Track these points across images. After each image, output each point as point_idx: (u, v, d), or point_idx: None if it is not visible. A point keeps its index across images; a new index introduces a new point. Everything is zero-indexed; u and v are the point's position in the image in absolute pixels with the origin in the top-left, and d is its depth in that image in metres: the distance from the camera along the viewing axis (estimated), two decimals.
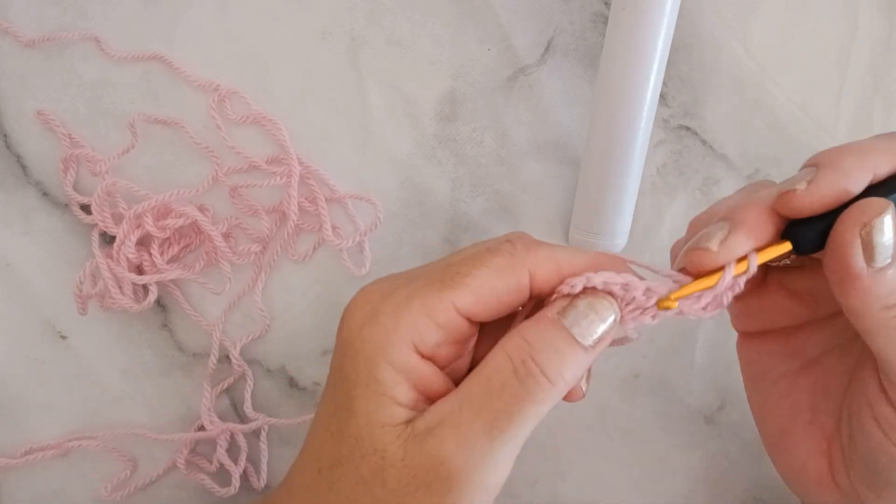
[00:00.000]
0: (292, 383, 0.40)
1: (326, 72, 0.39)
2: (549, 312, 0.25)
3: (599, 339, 0.25)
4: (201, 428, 0.39)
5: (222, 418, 0.40)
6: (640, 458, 0.39)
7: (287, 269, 0.39)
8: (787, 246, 0.25)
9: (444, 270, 0.26)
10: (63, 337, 0.39)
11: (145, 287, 0.38)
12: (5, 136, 0.39)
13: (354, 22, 0.38)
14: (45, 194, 0.39)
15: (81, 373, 0.39)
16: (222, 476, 0.39)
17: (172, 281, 0.39)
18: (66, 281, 0.39)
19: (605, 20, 0.38)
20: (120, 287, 0.37)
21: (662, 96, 0.38)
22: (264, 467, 0.40)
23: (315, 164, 0.38)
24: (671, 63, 0.37)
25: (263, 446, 0.39)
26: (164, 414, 0.39)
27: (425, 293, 0.25)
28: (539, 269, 0.26)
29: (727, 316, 0.39)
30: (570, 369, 0.25)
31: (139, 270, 0.38)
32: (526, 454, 0.39)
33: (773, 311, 0.30)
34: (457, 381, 0.26)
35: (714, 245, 0.25)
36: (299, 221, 0.38)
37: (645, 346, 0.39)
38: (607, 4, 0.38)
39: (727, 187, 0.39)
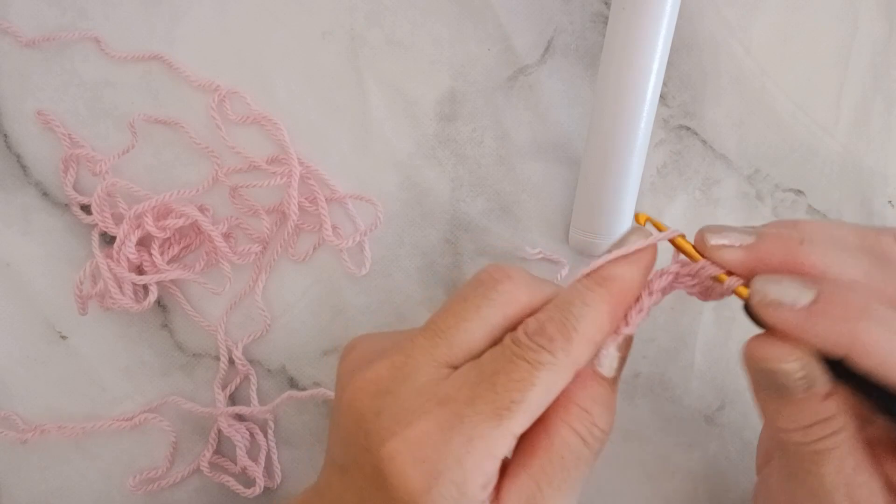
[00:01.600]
0: (292, 383, 0.40)
1: (326, 72, 0.39)
2: (590, 369, 0.26)
3: (618, 370, 0.27)
4: (218, 431, 0.39)
5: (214, 420, 0.40)
6: (640, 458, 0.39)
7: (287, 269, 0.39)
8: (743, 292, 0.26)
9: (493, 398, 0.24)
10: (63, 337, 0.39)
11: (145, 287, 0.38)
12: (5, 136, 0.39)
13: (354, 22, 0.38)
14: (45, 194, 0.39)
15: (81, 373, 0.39)
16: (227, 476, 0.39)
17: (172, 281, 0.39)
18: (66, 281, 0.39)
19: (605, 20, 0.38)
20: (120, 287, 0.37)
21: (662, 96, 0.38)
22: (277, 466, 0.39)
23: (315, 164, 0.38)
24: (671, 63, 0.37)
25: (272, 444, 0.39)
26: (164, 414, 0.39)
27: (484, 433, 0.24)
28: (583, 360, 0.26)
29: (727, 316, 0.39)
30: (613, 413, 0.26)
31: (139, 270, 0.38)
32: None
33: None
34: None
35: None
36: (299, 221, 0.38)
37: (645, 346, 0.39)
38: (607, 4, 0.38)
39: (727, 187, 0.39)
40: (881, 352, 0.23)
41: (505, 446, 0.24)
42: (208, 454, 0.39)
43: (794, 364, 0.24)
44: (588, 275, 0.27)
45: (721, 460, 0.39)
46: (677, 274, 0.28)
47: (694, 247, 0.27)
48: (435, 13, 0.38)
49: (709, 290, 0.28)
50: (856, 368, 0.24)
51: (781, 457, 0.29)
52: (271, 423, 0.39)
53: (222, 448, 0.40)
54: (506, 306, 0.26)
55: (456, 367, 0.26)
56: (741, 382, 0.34)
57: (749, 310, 0.26)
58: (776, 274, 0.25)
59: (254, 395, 0.39)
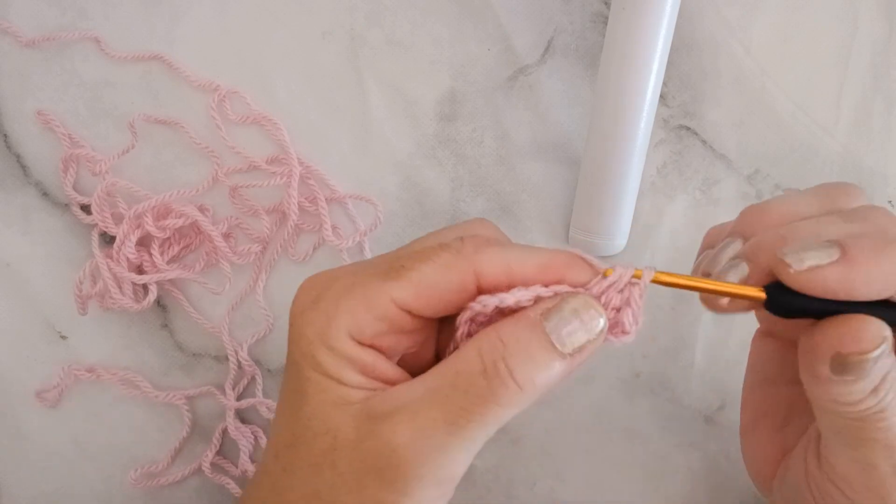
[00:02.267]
0: None
1: (326, 72, 0.39)
2: (532, 313, 0.24)
3: (580, 349, 0.24)
4: (224, 432, 0.39)
5: (216, 420, 0.40)
6: (640, 458, 0.39)
7: (287, 269, 0.39)
8: (760, 295, 0.25)
9: (391, 262, 0.25)
10: (63, 337, 0.39)
11: (145, 287, 0.38)
12: (5, 136, 0.39)
13: (354, 22, 0.38)
14: (45, 194, 0.39)
15: (81, 373, 0.39)
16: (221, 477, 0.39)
17: (172, 281, 0.39)
18: (66, 281, 0.39)
19: (605, 20, 0.38)
20: (120, 287, 0.37)
21: (662, 96, 0.38)
22: None
23: (315, 164, 0.38)
24: (671, 63, 0.37)
25: None
26: (165, 414, 0.39)
27: (366, 283, 0.25)
28: (487, 269, 0.24)
29: (727, 315, 0.39)
30: (542, 376, 0.23)
31: (139, 270, 0.38)
32: (525, 455, 0.39)
33: (796, 326, 0.29)
34: (417, 372, 0.25)
35: (732, 279, 0.25)
36: (299, 221, 0.38)
37: (645, 346, 0.39)
38: (607, 4, 0.38)
39: (727, 187, 0.39)
40: None
41: (380, 305, 0.24)
42: (210, 454, 0.39)
43: (883, 346, 0.23)
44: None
45: (721, 460, 0.39)
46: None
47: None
48: (435, 13, 0.38)
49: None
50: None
51: (838, 434, 0.27)
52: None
53: (224, 450, 0.40)
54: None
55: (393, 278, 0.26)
56: (741, 382, 0.34)
57: (773, 302, 0.24)
58: (791, 241, 0.24)
59: (259, 395, 0.39)
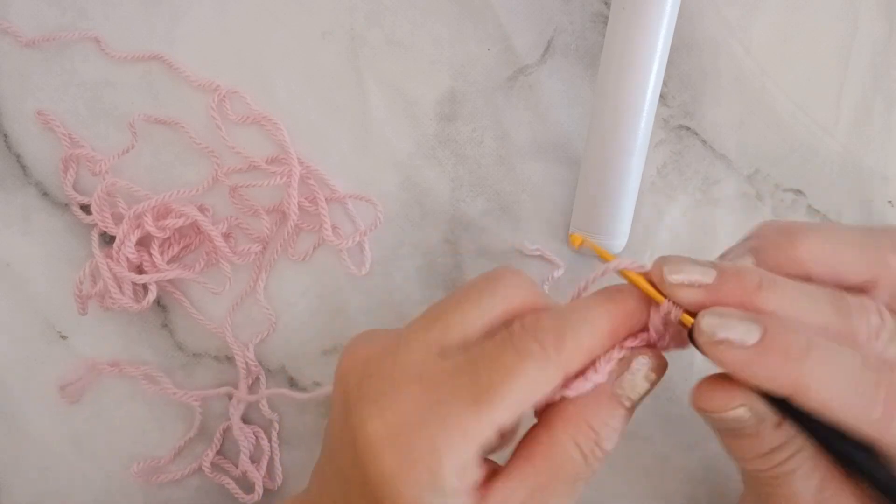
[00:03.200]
0: (292, 383, 0.40)
1: (326, 72, 0.39)
2: (609, 387, 0.25)
3: (641, 398, 0.26)
4: (227, 430, 0.39)
5: (217, 419, 0.40)
6: (641, 459, 0.39)
7: (287, 269, 0.39)
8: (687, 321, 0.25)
9: (472, 383, 0.24)
10: (63, 337, 0.39)
11: (145, 287, 0.38)
12: (5, 136, 0.39)
13: (354, 22, 0.38)
14: (45, 194, 0.39)
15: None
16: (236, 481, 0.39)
17: (171, 281, 0.39)
18: (66, 281, 0.39)
19: (605, 20, 0.38)
20: (120, 287, 0.37)
21: (662, 96, 0.38)
22: (279, 468, 0.39)
23: (315, 164, 0.38)
24: (671, 63, 0.37)
25: (275, 446, 0.39)
26: (164, 414, 0.39)
27: (461, 417, 0.23)
28: (574, 366, 0.25)
29: None
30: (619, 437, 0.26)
31: (139, 270, 0.38)
32: None
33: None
34: None
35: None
36: (299, 221, 0.38)
37: None
38: (607, 4, 0.38)
39: (727, 187, 0.39)
40: (823, 394, 0.23)
41: (482, 434, 0.23)
42: (211, 454, 0.39)
43: (739, 410, 0.24)
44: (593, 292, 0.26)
45: (721, 460, 0.39)
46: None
47: (650, 280, 0.26)
48: (435, 13, 0.38)
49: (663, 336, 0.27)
50: (801, 407, 0.23)
51: (750, 487, 0.29)
52: (276, 425, 0.39)
53: (224, 449, 0.40)
54: (507, 300, 0.26)
55: (444, 354, 0.25)
56: None
57: (694, 341, 0.25)
58: (723, 307, 0.24)
59: (263, 394, 0.39)
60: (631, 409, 0.26)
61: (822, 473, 0.25)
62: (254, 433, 0.39)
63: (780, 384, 0.23)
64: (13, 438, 0.39)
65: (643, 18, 0.34)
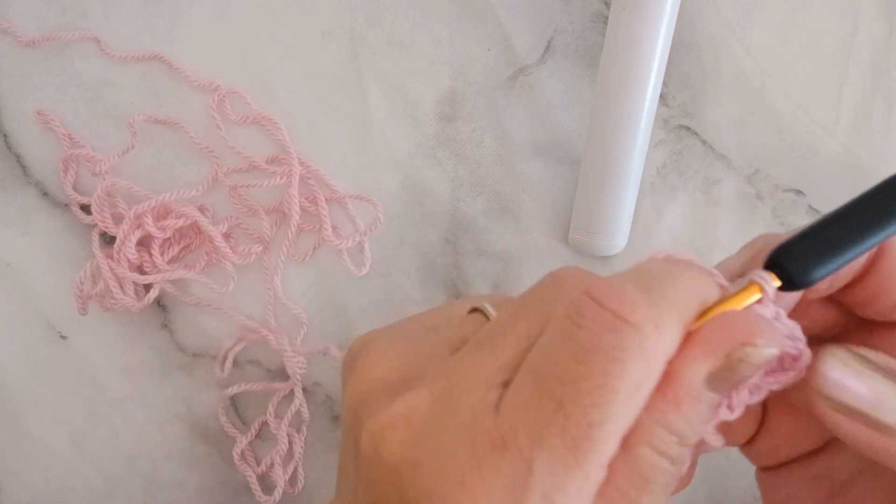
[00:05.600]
0: None
1: (326, 72, 0.39)
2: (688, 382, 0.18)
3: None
4: (264, 424, 0.39)
5: (212, 420, 0.40)
6: None
7: (287, 269, 0.39)
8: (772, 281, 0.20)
9: (562, 425, 0.17)
10: (63, 337, 0.39)
11: (145, 286, 0.38)
12: (5, 136, 0.39)
13: (354, 22, 0.38)
14: (45, 194, 0.39)
15: (81, 373, 0.39)
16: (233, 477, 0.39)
17: (173, 282, 0.39)
18: (66, 281, 0.39)
19: (605, 20, 0.38)
20: (121, 287, 0.37)
21: (662, 96, 0.38)
22: (301, 473, 0.39)
23: (315, 164, 0.38)
24: (671, 63, 0.37)
25: (299, 451, 0.39)
26: (164, 414, 0.39)
27: (563, 481, 0.17)
28: (672, 345, 0.18)
29: None
30: None
31: (140, 271, 0.38)
32: None
33: (786, 439, 0.25)
34: None
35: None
36: (299, 221, 0.38)
37: None
38: (607, 4, 0.38)
39: (727, 187, 0.39)
40: None
41: (592, 485, 0.18)
42: (244, 441, 0.38)
43: None
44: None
45: (721, 460, 0.39)
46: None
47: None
48: (435, 13, 0.38)
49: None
50: None
51: (873, 475, 0.24)
52: (304, 427, 0.39)
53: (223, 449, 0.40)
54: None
55: (508, 383, 0.19)
56: None
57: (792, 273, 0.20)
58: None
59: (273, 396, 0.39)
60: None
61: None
62: (287, 434, 0.39)
63: None
64: (13, 438, 0.39)
65: (643, 18, 0.34)
